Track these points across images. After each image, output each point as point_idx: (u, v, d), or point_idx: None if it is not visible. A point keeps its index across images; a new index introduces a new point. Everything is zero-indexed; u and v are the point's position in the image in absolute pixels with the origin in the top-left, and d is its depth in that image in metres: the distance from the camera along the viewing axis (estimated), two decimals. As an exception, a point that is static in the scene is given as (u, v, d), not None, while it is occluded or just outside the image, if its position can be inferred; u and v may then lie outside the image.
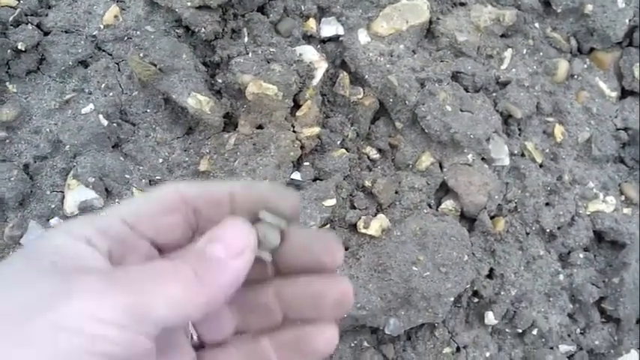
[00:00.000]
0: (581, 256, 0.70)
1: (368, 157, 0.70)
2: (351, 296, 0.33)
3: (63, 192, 0.63)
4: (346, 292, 0.33)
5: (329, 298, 0.32)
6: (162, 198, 0.32)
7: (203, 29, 0.66)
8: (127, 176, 0.64)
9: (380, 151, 0.70)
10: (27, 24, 0.65)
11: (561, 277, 0.70)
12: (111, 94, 0.65)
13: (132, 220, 0.31)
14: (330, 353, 0.31)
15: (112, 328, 0.26)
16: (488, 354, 0.68)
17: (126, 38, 0.66)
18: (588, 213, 0.71)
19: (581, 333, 0.70)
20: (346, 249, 0.67)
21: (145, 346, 0.27)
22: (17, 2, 0.65)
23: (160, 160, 0.66)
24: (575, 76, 0.73)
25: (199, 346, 0.35)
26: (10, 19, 0.64)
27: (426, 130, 0.68)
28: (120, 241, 0.30)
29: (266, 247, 0.32)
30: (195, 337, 0.35)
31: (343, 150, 0.68)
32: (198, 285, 0.29)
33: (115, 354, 0.26)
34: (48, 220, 0.63)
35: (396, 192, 0.68)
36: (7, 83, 0.65)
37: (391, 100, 0.69)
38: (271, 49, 0.67)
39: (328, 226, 0.66)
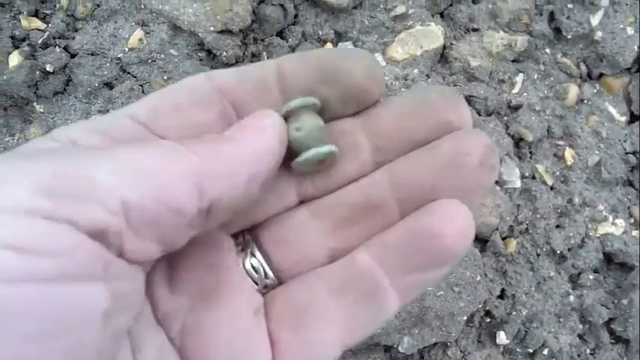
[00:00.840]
0: (591, 277, 0.72)
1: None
2: (497, 154, 0.26)
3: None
4: (490, 146, 0.25)
5: (472, 156, 0.25)
6: (188, 88, 0.25)
7: (224, 53, 0.68)
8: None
9: (394, 172, 0.72)
10: (55, 47, 0.67)
11: (571, 298, 0.71)
12: (135, 115, 0.67)
13: (147, 117, 0.24)
14: (466, 248, 0.24)
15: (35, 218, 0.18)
16: (499, 373, 0.69)
17: (150, 61, 0.68)
18: (598, 235, 0.72)
19: (591, 353, 0.71)
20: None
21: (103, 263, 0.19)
22: (46, 25, 0.68)
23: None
24: (585, 101, 0.75)
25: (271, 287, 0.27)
26: (39, 41, 0.66)
27: (440, 153, 0.69)
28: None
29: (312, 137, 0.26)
30: (265, 271, 0.27)
31: (358, 171, 0.70)
32: (187, 155, 0.21)
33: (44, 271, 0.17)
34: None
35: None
36: (35, 103, 0.67)
37: (405, 122, 0.71)
38: (290, 73, 0.69)
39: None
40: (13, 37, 0.67)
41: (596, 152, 0.74)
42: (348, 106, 0.27)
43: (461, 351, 0.68)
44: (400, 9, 0.72)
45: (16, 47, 0.66)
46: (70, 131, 0.23)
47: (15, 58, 0.65)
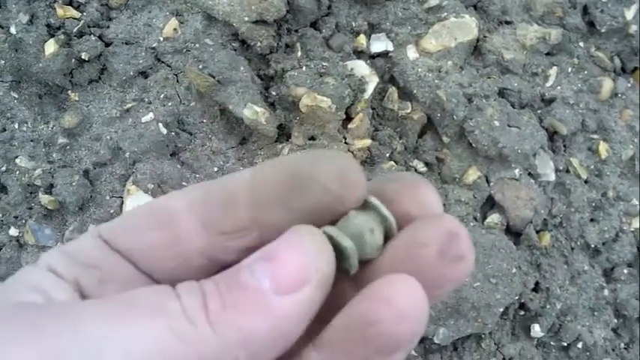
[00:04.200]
0: (625, 271, 0.71)
1: (415, 170, 0.71)
2: (465, 240, 0.22)
3: (122, 197, 0.65)
4: (453, 233, 0.22)
5: (429, 247, 0.22)
6: (149, 209, 0.25)
7: (259, 43, 0.68)
8: (183, 183, 0.66)
9: (427, 164, 0.72)
10: (90, 35, 0.67)
11: (606, 291, 0.70)
12: (170, 104, 0.67)
13: (108, 235, 0.25)
14: (416, 332, 0.21)
15: None
16: (533, 367, 0.68)
17: (184, 50, 0.68)
18: (632, 229, 0.72)
19: (625, 348, 0.71)
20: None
21: None
22: (80, 14, 0.68)
23: (215, 169, 0.67)
24: (619, 95, 0.74)
25: None
26: (75, 30, 0.66)
27: (474, 145, 0.69)
28: (92, 265, 0.24)
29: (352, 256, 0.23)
30: None
31: (392, 162, 0.70)
32: (190, 330, 0.20)
33: None
34: (107, 224, 0.65)
35: (443, 205, 0.70)
36: (70, 91, 0.67)
37: (439, 114, 0.71)
38: (324, 64, 0.69)
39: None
40: (48, 26, 0.67)
41: (630, 146, 0.73)
42: (323, 215, 0.24)
43: (495, 343, 0.68)
44: (434, 1, 0.72)
45: (52, 35, 0.66)
46: (48, 257, 0.24)
47: (51, 47, 0.65)
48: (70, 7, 0.68)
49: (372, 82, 0.70)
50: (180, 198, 0.25)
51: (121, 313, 0.20)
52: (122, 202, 0.65)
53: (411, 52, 0.72)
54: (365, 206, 0.24)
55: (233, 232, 0.24)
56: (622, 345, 0.71)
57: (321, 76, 0.68)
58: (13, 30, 0.66)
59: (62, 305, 0.21)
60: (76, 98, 0.67)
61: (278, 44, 0.69)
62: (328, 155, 0.24)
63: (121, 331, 0.19)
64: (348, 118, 0.69)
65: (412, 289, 0.21)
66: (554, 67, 0.74)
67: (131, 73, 0.67)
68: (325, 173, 0.23)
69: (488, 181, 0.70)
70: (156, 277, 0.25)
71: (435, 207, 0.24)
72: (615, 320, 0.70)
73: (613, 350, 0.70)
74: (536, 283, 0.69)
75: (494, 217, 0.69)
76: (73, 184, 0.64)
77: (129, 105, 0.66)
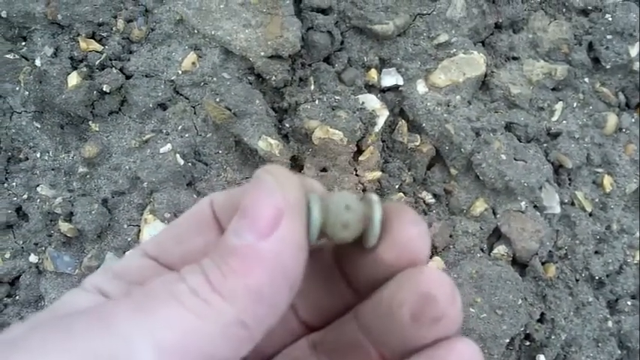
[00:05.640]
0: (629, 303, 0.73)
1: (424, 202, 0.73)
2: (440, 304, 0.23)
3: (139, 226, 0.67)
4: (428, 295, 0.23)
5: (404, 308, 0.23)
6: (189, 217, 0.27)
7: (274, 77, 0.70)
8: (199, 213, 0.68)
9: (435, 196, 0.74)
10: (111, 67, 0.69)
11: (610, 323, 0.72)
12: (187, 135, 0.69)
13: (154, 251, 0.26)
14: None
15: None
16: (538, 396, 0.70)
17: (202, 84, 0.70)
18: (636, 262, 0.73)
19: (628, 379, 0.72)
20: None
21: None
22: (103, 47, 0.70)
23: (230, 199, 0.69)
24: (624, 130, 0.76)
25: None
26: (97, 62, 0.69)
27: (481, 178, 0.71)
28: (143, 282, 0.24)
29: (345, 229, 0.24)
30: None
31: (401, 194, 0.72)
32: (203, 305, 0.21)
33: None
34: (124, 252, 0.67)
35: (451, 236, 0.72)
36: (91, 122, 0.69)
37: (447, 147, 0.73)
38: (336, 97, 0.71)
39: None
40: (72, 58, 0.69)
41: (634, 180, 0.75)
42: None
43: (501, 374, 0.69)
44: (443, 37, 0.74)
45: (75, 68, 0.69)
46: (94, 279, 0.25)
47: (73, 79, 0.68)
48: (92, 40, 0.70)
49: (383, 116, 0.72)
50: (211, 204, 0.27)
51: (142, 306, 0.21)
52: (139, 231, 0.67)
53: (421, 87, 0.74)
54: (364, 199, 0.25)
55: None
56: (626, 376, 0.72)
57: (333, 109, 0.70)
58: (38, 62, 0.69)
59: (93, 308, 0.22)
60: (97, 129, 0.69)
61: (292, 78, 0.72)
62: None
63: (146, 324, 0.20)
64: (359, 151, 0.71)
65: (469, 352, 0.23)
66: (560, 102, 0.76)
67: (150, 105, 0.69)
68: None
69: (494, 213, 0.72)
70: None
71: (415, 256, 0.24)
72: (619, 351, 0.72)
73: (617, 381, 0.71)
74: (542, 314, 0.70)
75: (500, 249, 0.71)
76: (92, 212, 0.66)
77: (147, 136, 0.68)
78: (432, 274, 0.23)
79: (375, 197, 0.25)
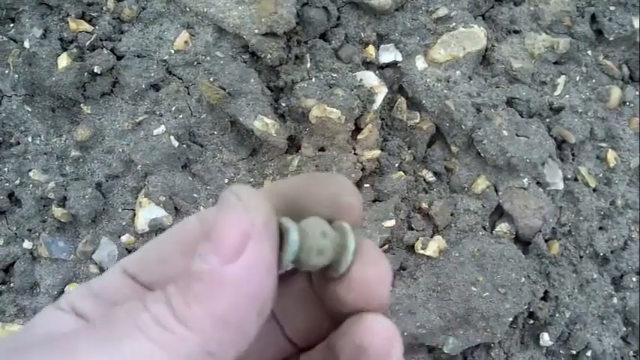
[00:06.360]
0: (634, 279, 0.71)
1: (424, 180, 0.72)
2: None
3: (134, 210, 0.66)
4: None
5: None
6: (174, 235, 0.26)
7: (269, 55, 0.68)
8: (195, 195, 0.67)
9: (436, 174, 0.72)
10: (102, 48, 0.68)
11: (615, 300, 0.71)
12: (181, 116, 0.67)
13: (134, 269, 0.26)
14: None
15: None
16: (542, 375, 0.69)
17: (195, 63, 0.68)
18: (641, 237, 0.72)
19: (634, 356, 0.71)
20: (404, 269, 0.68)
21: None
22: (93, 28, 0.68)
23: (226, 180, 0.68)
24: (628, 103, 0.74)
25: None
26: (87, 43, 0.67)
27: (483, 154, 0.69)
28: (120, 300, 0.24)
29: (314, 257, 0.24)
30: None
31: (401, 173, 0.70)
32: (167, 335, 0.20)
33: None
34: (119, 236, 0.66)
35: (452, 214, 0.70)
36: (82, 105, 0.68)
37: (447, 124, 0.71)
38: (333, 75, 0.69)
39: (387, 246, 0.68)
40: (61, 40, 0.68)
41: (639, 154, 0.73)
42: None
43: (504, 352, 0.68)
44: (442, 11, 0.72)
45: (65, 49, 0.67)
46: (70, 297, 0.24)
47: (64, 60, 0.66)
48: (82, 20, 0.69)
49: (381, 93, 0.70)
50: (200, 222, 0.26)
51: (106, 338, 0.20)
52: (134, 215, 0.66)
53: (420, 63, 0.73)
54: (336, 227, 0.24)
55: None
56: (631, 353, 0.71)
57: (330, 87, 0.68)
58: (26, 44, 0.67)
59: (56, 339, 0.21)
60: (89, 111, 0.68)
61: (288, 56, 0.70)
62: (320, 181, 0.25)
63: (110, 357, 0.20)
64: (357, 129, 0.69)
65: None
66: (563, 76, 0.74)
67: (143, 86, 0.68)
68: (318, 201, 0.24)
69: (497, 191, 0.71)
70: None
71: (375, 290, 0.24)
72: (624, 328, 0.71)
73: (622, 358, 0.70)
74: (545, 292, 0.69)
75: (503, 227, 0.70)
76: (86, 196, 0.65)
77: (141, 118, 0.67)
78: (371, 325, 0.23)
79: (347, 226, 0.24)
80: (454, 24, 0.72)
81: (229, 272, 0.20)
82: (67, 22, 0.68)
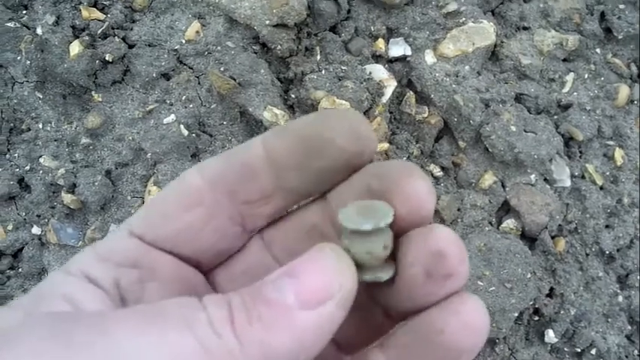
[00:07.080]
0: (639, 278, 0.71)
1: (432, 175, 0.72)
2: (450, 260, 0.23)
3: (143, 198, 0.66)
4: (439, 252, 0.23)
5: (416, 267, 0.23)
6: (176, 190, 0.26)
7: (279, 46, 0.68)
8: (203, 184, 0.67)
9: (443, 168, 0.73)
10: (114, 36, 0.68)
11: (620, 298, 0.71)
12: (191, 105, 0.68)
13: (140, 229, 0.25)
14: (477, 345, 0.23)
15: None
16: (546, 371, 0.69)
17: (206, 53, 0.69)
18: (647, 236, 0.72)
19: (638, 354, 0.71)
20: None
21: None
22: (105, 16, 0.69)
23: (235, 170, 0.68)
24: (635, 102, 0.75)
25: None
26: (99, 31, 0.68)
27: (490, 150, 0.70)
28: (130, 265, 0.24)
29: (373, 264, 0.24)
30: None
31: (409, 166, 0.70)
32: (216, 341, 0.20)
33: None
34: (128, 224, 0.66)
35: (459, 209, 0.70)
36: (93, 92, 0.68)
37: (456, 119, 0.71)
38: (342, 67, 0.70)
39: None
40: (73, 27, 0.68)
41: (646, 153, 0.74)
42: (341, 172, 0.26)
43: (509, 348, 0.68)
44: (452, 6, 0.73)
45: (77, 37, 0.67)
46: (79, 261, 0.24)
47: (75, 48, 0.66)
48: (94, 8, 0.69)
49: (390, 86, 0.70)
50: (200, 175, 0.26)
51: (150, 324, 0.20)
52: (143, 202, 0.66)
53: (429, 57, 0.73)
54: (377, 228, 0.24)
55: (257, 200, 0.25)
56: (635, 352, 0.71)
57: (340, 79, 0.69)
58: (39, 31, 0.67)
59: (94, 316, 0.20)
60: (100, 99, 0.68)
61: (298, 47, 0.70)
62: (336, 114, 0.25)
63: (150, 343, 0.19)
64: (366, 122, 0.70)
65: (478, 305, 0.23)
66: (571, 73, 0.74)
67: (154, 75, 0.68)
68: (338, 133, 0.24)
69: (504, 186, 0.71)
70: (199, 259, 0.26)
71: (425, 202, 0.24)
72: (629, 327, 0.71)
73: (626, 357, 0.70)
74: (551, 289, 0.69)
75: (509, 222, 0.70)
76: (96, 183, 0.65)
77: (151, 106, 0.67)
78: (443, 233, 0.23)
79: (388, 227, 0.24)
80: (464, 19, 0.72)
81: (302, 317, 0.21)
82: (80, 10, 0.68)
